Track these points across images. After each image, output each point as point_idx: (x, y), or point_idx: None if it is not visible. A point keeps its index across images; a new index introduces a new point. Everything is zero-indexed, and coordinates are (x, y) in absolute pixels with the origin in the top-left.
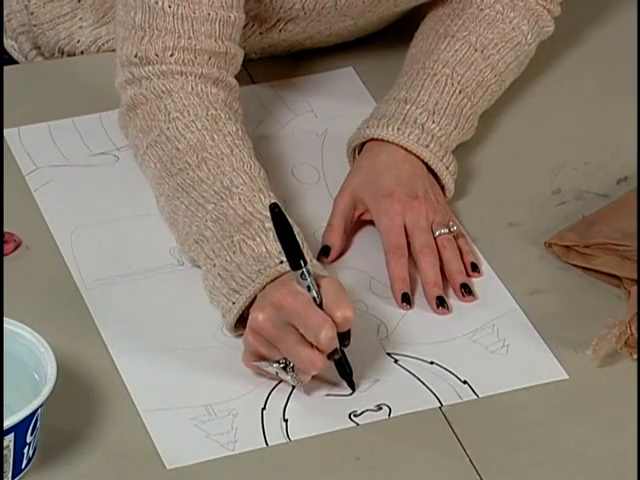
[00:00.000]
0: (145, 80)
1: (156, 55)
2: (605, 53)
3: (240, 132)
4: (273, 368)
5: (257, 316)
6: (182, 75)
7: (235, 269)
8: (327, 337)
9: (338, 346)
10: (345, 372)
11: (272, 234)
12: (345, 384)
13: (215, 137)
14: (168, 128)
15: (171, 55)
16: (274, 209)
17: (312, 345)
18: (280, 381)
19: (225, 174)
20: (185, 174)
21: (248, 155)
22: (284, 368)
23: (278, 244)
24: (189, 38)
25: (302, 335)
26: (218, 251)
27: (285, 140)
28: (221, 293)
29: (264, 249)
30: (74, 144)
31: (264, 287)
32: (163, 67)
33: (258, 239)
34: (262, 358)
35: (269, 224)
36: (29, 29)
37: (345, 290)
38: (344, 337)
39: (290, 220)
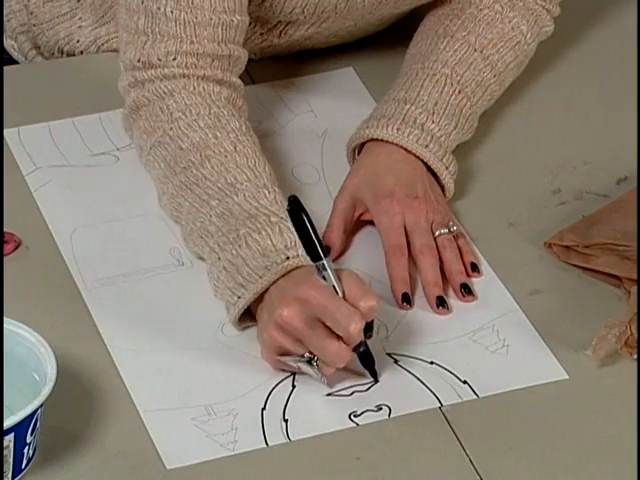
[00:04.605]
0: (148, 83)
1: (159, 59)
2: (605, 53)
3: (244, 128)
4: (298, 362)
5: (282, 312)
6: (184, 77)
7: (241, 263)
8: (357, 329)
9: (364, 338)
10: (369, 362)
11: (278, 228)
12: (367, 374)
13: (218, 134)
14: (171, 128)
15: (174, 59)
16: (292, 202)
17: (338, 338)
18: (280, 381)
19: (229, 171)
20: (189, 172)
21: (252, 151)
22: (309, 362)
23: (285, 237)
24: (191, 42)
25: (328, 328)
26: (223, 245)
27: (285, 140)
28: (226, 286)
29: (269, 242)
30: (74, 144)
31: (274, 283)
32: (165, 70)
33: (264, 232)
34: (286, 353)
35: (275, 218)
36: (29, 29)
37: (364, 281)
38: (367, 328)
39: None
